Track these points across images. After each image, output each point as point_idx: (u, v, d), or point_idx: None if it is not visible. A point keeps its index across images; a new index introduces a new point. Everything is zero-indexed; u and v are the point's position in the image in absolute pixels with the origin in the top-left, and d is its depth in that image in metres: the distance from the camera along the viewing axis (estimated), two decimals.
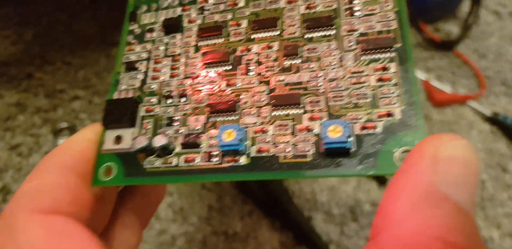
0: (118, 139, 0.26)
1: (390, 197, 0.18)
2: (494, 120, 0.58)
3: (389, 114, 0.22)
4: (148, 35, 0.30)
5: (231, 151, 0.23)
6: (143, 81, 0.28)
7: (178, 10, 0.30)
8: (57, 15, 0.73)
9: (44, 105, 0.63)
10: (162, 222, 0.52)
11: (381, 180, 0.54)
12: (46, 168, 0.24)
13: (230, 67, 0.26)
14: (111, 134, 0.26)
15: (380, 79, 0.23)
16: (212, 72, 0.27)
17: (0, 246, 0.21)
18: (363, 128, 0.22)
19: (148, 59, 0.29)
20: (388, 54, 0.23)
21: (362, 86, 0.23)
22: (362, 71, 0.23)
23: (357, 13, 0.25)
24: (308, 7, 0.26)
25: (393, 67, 0.23)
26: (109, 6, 0.74)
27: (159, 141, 0.24)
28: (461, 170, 0.17)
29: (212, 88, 0.26)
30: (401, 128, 0.21)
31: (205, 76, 0.27)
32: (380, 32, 0.24)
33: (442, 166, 0.17)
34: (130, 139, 0.26)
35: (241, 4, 0.28)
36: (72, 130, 0.60)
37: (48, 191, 0.23)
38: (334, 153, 0.22)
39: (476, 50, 0.66)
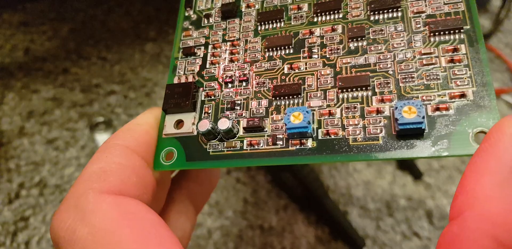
0: (179, 123, 0.26)
1: (473, 176, 0.18)
2: None
3: (461, 95, 0.21)
4: (205, 21, 0.29)
5: (297, 134, 0.23)
6: (202, 66, 0.28)
7: None
8: (92, 11, 0.74)
9: (80, 100, 0.64)
10: (198, 215, 0.51)
11: (417, 175, 0.53)
12: (110, 149, 0.24)
13: (292, 50, 0.26)
14: (171, 118, 0.26)
15: (451, 61, 0.22)
16: (274, 56, 0.26)
17: (71, 226, 0.20)
18: (436, 109, 0.22)
19: (206, 44, 0.29)
20: (457, 36, 0.23)
21: (433, 68, 0.23)
22: (431, 53, 0.23)
23: None
24: None
25: (463, 48, 0.23)
26: (142, 2, 0.74)
27: (224, 124, 0.24)
28: None
29: (275, 72, 0.26)
30: (474, 109, 0.21)
31: (266, 60, 0.26)
32: (448, 14, 0.24)
33: None
34: (191, 123, 0.26)
35: None
36: (108, 124, 0.60)
37: (115, 172, 0.23)
38: (407, 135, 0.21)
39: (508, 44, 0.66)
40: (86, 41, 0.70)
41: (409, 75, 0.23)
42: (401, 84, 0.23)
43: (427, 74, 0.23)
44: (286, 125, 0.23)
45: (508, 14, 0.65)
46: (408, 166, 0.54)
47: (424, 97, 0.22)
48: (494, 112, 0.21)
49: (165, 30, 0.68)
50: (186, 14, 0.30)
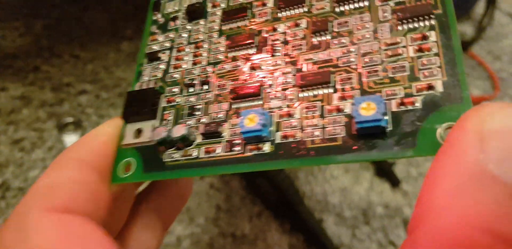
0: (139, 132, 0.25)
1: (429, 183, 0.15)
2: None
3: (429, 87, 0.19)
4: (171, 24, 0.28)
5: (254, 138, 0.21)
6: (166, 71, 0.26)
7: None
8: (68, 7, 0.71)
9: (49, 99, 0.61)
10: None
11: (394, 182, 0.51)
12: (63, 162, 0.23)
13: (255, 50, 0.24)
14: (132, 127, 0.25)
15: (419, 50, 0.20)
16: (237, 56, 0.25)
17: (10, 247, 0.19)
18: (401, 104, 0.19)
19: (171, 48, 0.27)
20: (427, 22, 0.20)
21: (399, 59, 0.20)
22: (399, 43, 0.20)
23: None
24: None
25: (433, 35, 0.20)
26: (121, 0, 0.72)
27: (178, 131, 0.22)
28: None
29: (235, 73, 0.24)
30: (444, 101, 0.18)
31: (229, 61, 0.25)
32: None
33: (490, 140, 0.14)
34: (150, 131, 0.24)
35: None
36: (77, 125, 0.57)
37: (64, 188, 0.21)
38: (368, 134, 0.19)
39: (490, 52, 0.64)
40: (60, 38, 0.68)
41: (373, 69, 0.20)
42: (364, 79, 0.20)
43: (393, 66, 0.20)
44: (240, 128, 0.21)
45: (491, 22, 0.64)
46: (386, 173, 0.52)
47: (389, 92, 0.20)
48: (466, 104, 0.18)
49: (143, 28, 0.63)
50: (154, 18, 0.29)
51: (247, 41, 0.24)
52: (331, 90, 0.21)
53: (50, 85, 0.63)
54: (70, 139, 0.56)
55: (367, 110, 0.18)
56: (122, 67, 0.63)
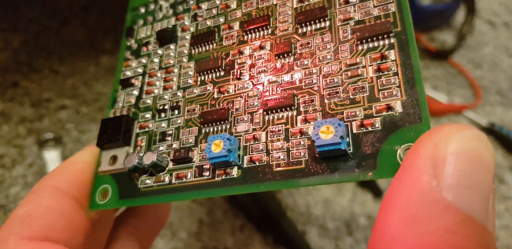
0: (114, 159, 0.25)
1: (383, 211, 0.15)
2: (490, 131, 0.55)
3: (389, 108, 0.19)
4: (144, 49, 0.28)
5: (222, 163, 0.21)
6: (138, 97, 0.27)
7: (173, 20, 0.28)
8: (46, 22, 0.71)
9: (29, 115, 0.60)
10: None
11: (377, 192, 0.50)
12: (41, 191, 0.23)
13: (223, 73, 0.24)
14: (107, 154, 0.25)
15: (378, 70, 0.20)
16: (205, 80, 0.25)
17: None
18: (361, 126, 0.19)
19: (144, 73, 0.27)
20: (386, 41, 0.21)
21: (359, 79, 0.20)
22: (358, 63, 0.21)
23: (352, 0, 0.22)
24: (300, 0, 0.24)
25: (392, 54, 0.20)
26: (100, 13, 0.71)
27: (149, 158, 0.23)
28: (468, 168, 0.14)
29: (205, 97, 0.24)
30: (403, 121, 0.18)
31: (198, 86, 0.25)
32: (377, 17, 0.21)
33: (443, 166, 0.14)
34: (124, 158, 0.24)
35: (233, 5, 0.26)
36: (57, 140, 0.57)
37: (41, 216, 0.22)
38: (330, 157, 0.19)
39: (471, 60, 0.64)
40: (39, 53, 0.67)
41: (334, 90, 0.21)
42: (326, 101, 0.21)
43: (353, 87, 0.20)
44: (207, 154, 0.21)
45: (471, 30, 0.64)
46: (368, 183, 0.52)
47: (349, 114, 0.20)
48: (425, 124, 0.18)
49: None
50: (128, 43, 0.29)
51: (214, 66, 0.24)
52: (295, 112, 0.21)
53: (29, 101, 0.62)
54: (50, 155, 0.55)
55: (326, 133, 0.18)
56: (101, 82, 0.63)
